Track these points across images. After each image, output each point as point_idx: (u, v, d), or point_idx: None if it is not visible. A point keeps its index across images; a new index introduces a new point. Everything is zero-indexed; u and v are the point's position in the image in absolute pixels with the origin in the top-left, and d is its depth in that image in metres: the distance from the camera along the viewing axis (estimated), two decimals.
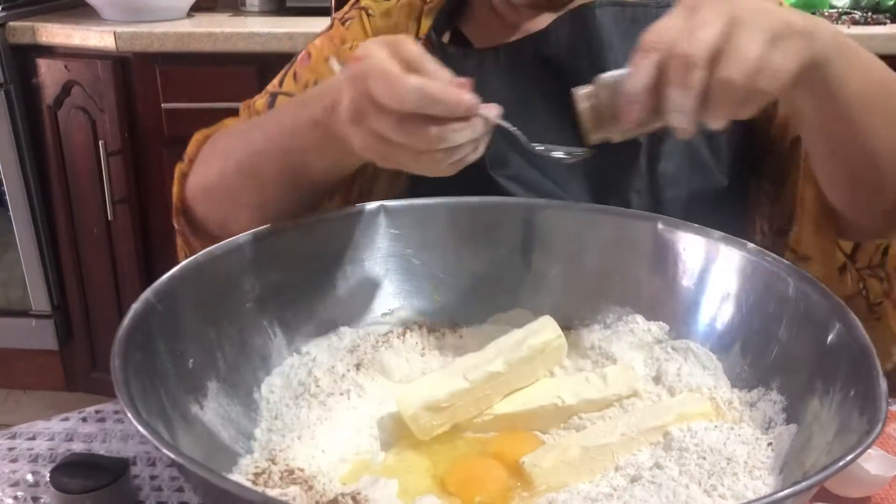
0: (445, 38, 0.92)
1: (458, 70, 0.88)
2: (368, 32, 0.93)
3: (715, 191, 0.84)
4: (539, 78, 0.85)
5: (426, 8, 0.92)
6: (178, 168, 0.86)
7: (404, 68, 0.58)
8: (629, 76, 0.57)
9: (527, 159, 0.85)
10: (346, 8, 0.97)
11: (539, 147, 0.65)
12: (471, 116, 0.59)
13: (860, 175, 0.71)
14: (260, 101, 0.93)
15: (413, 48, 0.59)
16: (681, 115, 0.56)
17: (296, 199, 0.76)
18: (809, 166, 0.78)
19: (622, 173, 0.84)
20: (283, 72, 0.95)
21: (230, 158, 0.79)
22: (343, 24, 0.94)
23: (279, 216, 0.73)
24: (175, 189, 0.86)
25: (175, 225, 0.87)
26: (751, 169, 0.88)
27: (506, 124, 0.63)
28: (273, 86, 0.94)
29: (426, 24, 0.91)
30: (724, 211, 0.82)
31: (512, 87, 0.85)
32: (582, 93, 0.63)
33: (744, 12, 0.55)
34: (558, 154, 0.66)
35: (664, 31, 0.56)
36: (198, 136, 0.88)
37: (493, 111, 0.61)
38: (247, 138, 0.78)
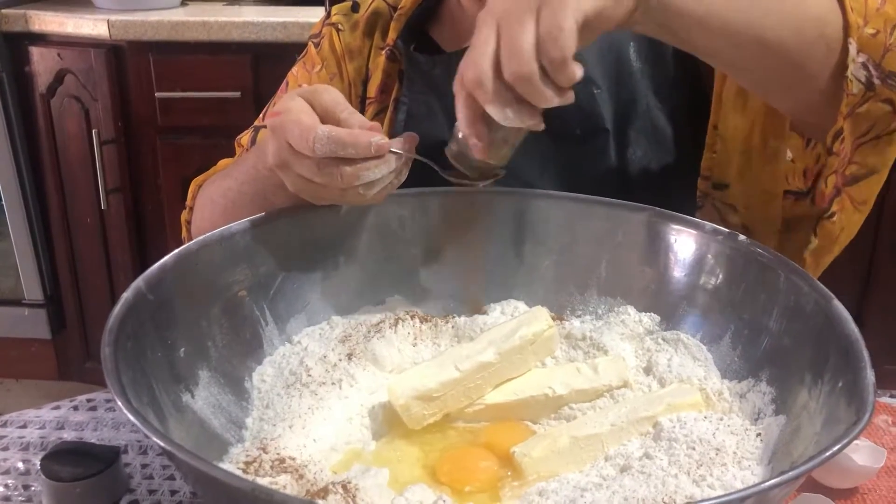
0: (413, 46, 0.92)
1: (426, 76, 0.89)
2: (338, 50, 0.95)
3: (685, 167, 0.85)
4: None
5: (396, 15, 0.92)
6: (183, 217, 0.93)
7: (320, 116, 0.66)
8: (458, 120, 0.62)
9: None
10: (318, 25, 0.99)
11: (452, 178, 0.69)
12: (382, 154, 0.65)
13: (777, 71, 0.69)
14: (245, 136, 0.98)
15: (328, 97, 0.67)
16: (514, 121, 0.59)
17: None
18: (724, 96, 0.77)
19: (593, 161, 0.85)
20: (268, 104, 0.99)
21: (216, 206, 0.85)
22: (316, 46, 0.97)
23: None
24: (184, 237, 0.93)
25: None
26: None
27: (419, 157, 0.68)
28: (258, 120, 0.99)
29: (395, 31, 0.91)
30: (694, 190, 0.82)
31: None
32: (448, 151, 0.67)
33: (507, 5, 0.57)
34: (468, 184, 0.70)
35: (462, 67, 0.59)
36: (195, 184, 0.93)
37: (406, 144, 0.67)
38: (225, 186, 0.84)
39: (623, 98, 0.85)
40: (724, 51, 0.67)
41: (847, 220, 0.76)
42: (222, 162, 0.98)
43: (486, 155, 0.63)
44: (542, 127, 0.60)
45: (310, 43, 0.98)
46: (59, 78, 1.97)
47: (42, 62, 1.97)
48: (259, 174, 0.77)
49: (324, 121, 0.65)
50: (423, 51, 0.92)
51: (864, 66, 0.67)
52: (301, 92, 0.68)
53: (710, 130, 0.80)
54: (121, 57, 1.91)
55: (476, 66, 0.57)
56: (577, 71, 0.57)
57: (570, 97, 0.59)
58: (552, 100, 0.57)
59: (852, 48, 0.66)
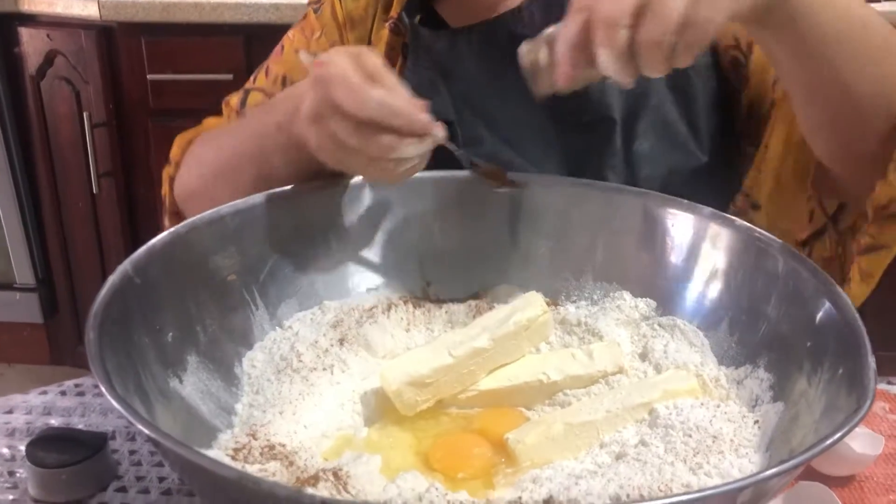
0: (417, 17, 0.90)
1: (430, 51, 0.88)
2: (339, 17, 0.92)
3: (694, 168, 0.84)
4: (513, 57, 0.84)
5: None
6: (166, 172, 0.90)
7: (365, 78, 0.62)
8: (559, 34, 0.59)
9: (499, 138, 0.84)
10: None
11: (477, 173, 0.70)
12: (425, 134, 0.63)
13: (841, 117, 0.69)
14: (234, 98, 0.96)
15: (375, 60, 0.64)
16: (611, 71, 0.57)
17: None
18: (783, 116, 0.78)
19: (597, 152, 0.84)
20: (258, 68, 0.97)
21: (209, 164, 0.82)
22: (315, 12, 0.94)
23: None
24: (165, 192, 0.90)
25: (166, 225, 0.88)
26: (732, 143, 0.87)
27: (450, 146, 0.68)
28: (249, 82, 0.97)
29: (399, 4, 0.89)
30: (704, 187, 0.81)
31: (485, 68, 0.85)
32: (524, 48, 0.64)
33: None
34: (489, 180, 0.70)
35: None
36: (180, 140, 0.90)
37: (440, 131, 0.64)
38: (222, 144, 0.81)
39: (634, 91, 0.83)
40: (803, 70, 0.68)
41: (856, 290, 0.75)
42: (209, 120, 0.95)
43: (568, 84, 0.60)
44: (631, 86, 0.59)
45: (309, 9, 0.95)
46: (48, 59, 1.95)
47: (31, 43, 1.95)
48: (265, 130, 0.74)
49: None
50: (428, 26, 0.90)
51: None
52: (346, 50, 0.65)
53: (761, 149, 0.80)
54: (111, 38, 1.89)
55: (619, 6, 0.55)
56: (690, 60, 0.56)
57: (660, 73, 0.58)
58: (655, 73, 0.57)
59: None
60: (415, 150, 0.63)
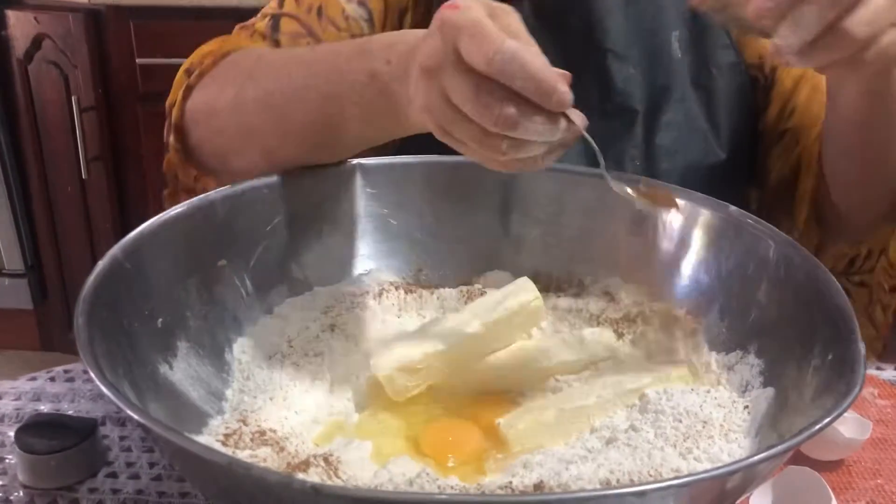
0: None
1: None
2: None
3: (713, 163, 0.84)
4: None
5: None
6: (180, 80, 0.76)
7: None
8: None
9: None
10: None
11: (615, 182, 0.59)
12: (556, 114, 0.51)
13: (874, 175, 0.71)
14: (261, 23, 0.83)
15: (514, 20, 0.52)
16: (792, 35, 0.54)
17: (312, 157, 0.70)
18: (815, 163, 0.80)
19: (618, 141, 0.83)
20: None
21: (255, 87, 0.70)
22: None
23: (287, 167, 0.69)
24: (175, 100, 0.75)
25: (169, 140, 0.76)
26: (750, 147, 0.87)
27: (589, 138, 0.55)
28: (272, 7, 0.84)
29: None
30: (722, 184, 0.81)
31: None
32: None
33: None
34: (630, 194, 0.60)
35: None
36: (206, 50, 0.77)
37: (580, 119, 0.53)
38: (284, 70, 0.69)
39: (658, 83, 0.83)
40: (864, 125, 0.69)
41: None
42: (236, 37, 0.82)
43: (759, 8, 0.55)
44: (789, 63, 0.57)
45: None
46: (36, 43, 1.93)
47: (18, 26, 1.93)
48: (352, 76, 0.63)
49: None
50: None
51: None
52: (482, 2, 0.52)
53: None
54: (100, 21, 1.87)
55: None
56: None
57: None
58: (805, 63, 0.56)
59: None
60: (539, 132, 0.50)
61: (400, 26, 0.85)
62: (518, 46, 0.49)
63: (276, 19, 0.82)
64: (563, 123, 0.51)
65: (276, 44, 0.80)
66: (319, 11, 0.81)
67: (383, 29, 0.83)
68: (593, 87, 0.81)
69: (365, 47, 0.63)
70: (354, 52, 0.63)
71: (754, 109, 0.86)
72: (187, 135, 0.76)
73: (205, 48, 0.78)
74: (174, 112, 0.76)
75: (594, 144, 0.56)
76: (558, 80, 0.49)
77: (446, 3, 0.51)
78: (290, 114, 0.67)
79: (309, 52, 0.72)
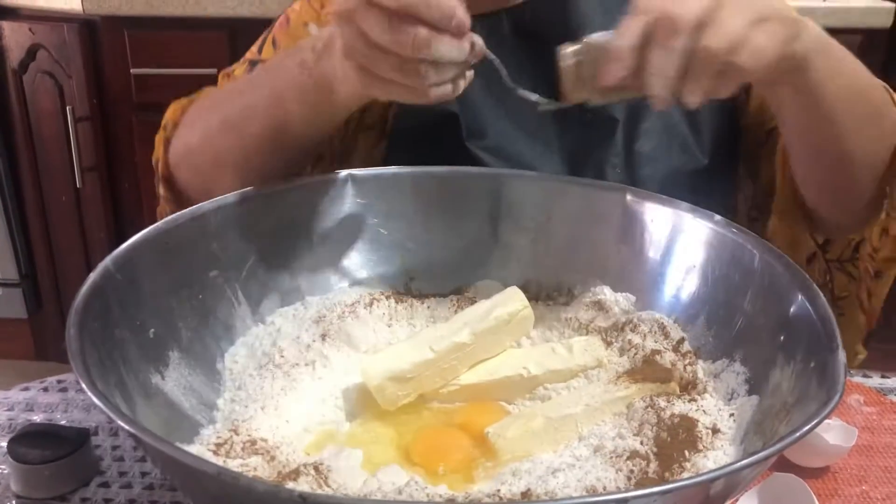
0: None
1: None
2: None
3: (694, 170, 0.84)
4: (516, 51, 0.84)
5: None
6: (159, 136, 0.85)
7: None
8: (617, 35, 0.58)
9: (502, 132, 0.84)
10: None
11: (520, 90, 0.65)
12: (460, 35, 0.58)
13: (834, 178, 0.72)
14: (239, 69, 0.91)
15: None
16: (660, 80, 0.57)
17: (279, 161, 0.75)
18: (784, 158, 0.79)
19: (598, 149, 0.84)
20: (260, 39, 0.93)
21: (215, 116, 0.77)
22: None
23: (262, 180, 0.72)
24: (159, 155, 0.84)
25: (160, 192, 0.84)
26: (733, 149, 0.88)
27: (491, 56, 0.62)
28: (252, 53, 0.92)
29: None
30: (704, 190, 0.82)
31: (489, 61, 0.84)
32: (568, 51, 0.63)
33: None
34: (534, 97, 0.65)
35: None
36: (175, 105, 0.86)
37: (479, 39, 0.60)
38: (237, 91, 0.77)
39: None
40: (808, 130, 0.70)
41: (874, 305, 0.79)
42: (207, 89, 0.90)
43: (613, 78, 0.58)
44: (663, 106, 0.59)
45: None
46: (31, 53, 1.93)
47: (13, 37, 1.93)
48: (283, 74, 0.70)
49: None
50: None
51: None
52: None
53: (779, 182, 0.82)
54: (94, 32, 1.87)
55: (685, 10, 0.55)
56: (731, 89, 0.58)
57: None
58: (694, 96, 0.57)
59: None
60: (450, 52, 0.57)
61: None
62: None
63: (252, 65, 0.90)
64: (467, 44, 0.59)
65: None
66: None
67: None
68: None
69: (291, 50, 0.71)
70: (287, 53, 0.71)
71: (735, 112, 0.87)
72: (174, 182, 0.83)
73: (175, 104, 0.86)
74: (160, 166, 0.84)
75: (495, 59, 0.63)
76: (456, 6, 0.57)
77: None
78: (245, 128, 0.73)
79: (247, 75, 0.79)
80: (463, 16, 0.57)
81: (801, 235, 0.81)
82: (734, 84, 0.58)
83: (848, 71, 0.67)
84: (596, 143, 0.84)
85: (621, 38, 0.58)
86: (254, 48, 0.93)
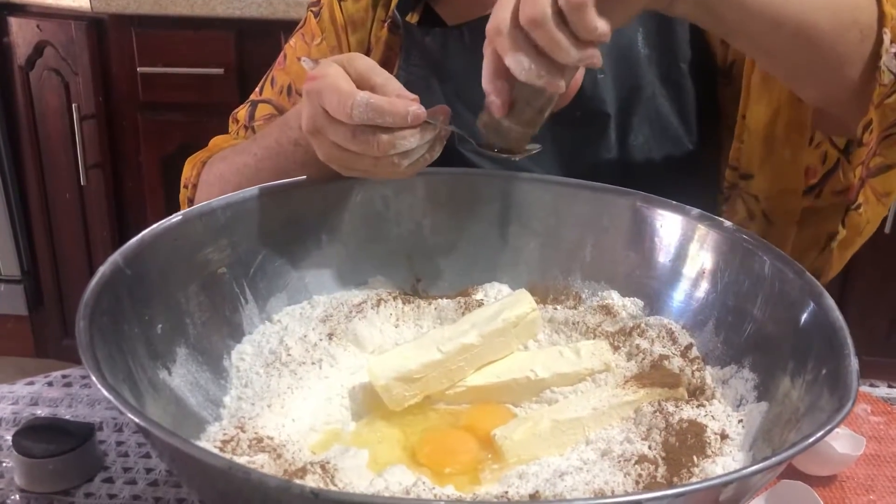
0: (415, 17, 0.90)
1: (422, 49, 0.88)
2: (339, 21, 0.92)
3: (686, 157, 0.84)
4: None
5: None
6: (182, 195, 0.91)
7: (356, 81, 0.64)
8: (482, 77, 0.62)
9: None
10: None
11: (487, 151, 0.67)
12: (419, 124, 0.63)
13: (810, 59, 0.68)
14: (242, 111, 0.96)
15: (364, 62, 0.66)
16: (533, 75, 0.58)
17: None
18: (757, 84, 0.77)
19: (591, 146, 0.84)
20: (264, 78, 0.97)
21: (228, 184, 0.82)
22: (315, 16, 0.94)
23: None
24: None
25: None
26: (721, 135, 0.87)
27: (456, 129, 0.67)
28: (255, 94, 0.97)
29: (395, 3, 0.90)
30: (697, 176, 0.82)
31: (477, 65, 0.85)
32: (479, 121, 0.65)
33: None
34: (506, 155, 0.68)
35: (491, 17, 0.59)
36: (191, 161, 0.91)
37: (441, 116, 0.65)
38: (240, 164, 0.82)
39: (628, 84, 0.84)
40: (760, 34, 0.67)
41: (871, 212, 0.76)
42: (217, 139, 0.95)
43: (503, 112, 0.62)
44: (562, 89, 0.59)
45: (309, 13, 0.95)
46: (38, 50, 1.93)
47: (21, 33, 1.94)
48: (282, 149, 0.75)
49: (359, 87, 0.64)
50: (427, 24, 0.90)
51: None
52: (336, 59, 0.67)
53: (738, 120, 0.80)
54: (102, 30, 1.88)
55: (496, 16, 0.57)
56: (600, 24, 0.55)
57: (592, 55, 0.57)
58: (569, 51, 0.56)
59: (886, 38, 0.66)
60: (415, 141, 0.64)
61: None
62: (366, 96, 0.62)
63: (253, 106, 0.96)
64: (428, 129, 0.64)
65: (253, 130, 0.94)
66: (289, 90, 0.94)
67: None
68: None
69: (284, 121, 0.78)
70: (279, 129, 0.78)
71: (718, 96, 0.86)
72: None
73: (190, 161, 0.92)
74: None
75: (462, 132, 0.67)
76: (408, 105, 0.62)
77: (308, 74, 0.65)
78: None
79: (254, 140, 0.83)
80: (417, 109, 0.63)
81: (801, 161, 0.78)
82: (587, 13, 0.56)
83: None
84: (589, 139, 0.84)
85: (483, 74, 0.61)
86: (257, 88, 0.97)
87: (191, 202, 0.90)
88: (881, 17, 0.66)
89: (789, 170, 0.78)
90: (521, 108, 0.62)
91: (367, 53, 0.91)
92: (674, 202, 0.73)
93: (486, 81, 0.61)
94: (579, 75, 0.63)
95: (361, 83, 0.64)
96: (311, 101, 0.64)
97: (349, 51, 0.92)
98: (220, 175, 0.85)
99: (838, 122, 0.74)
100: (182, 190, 0.92)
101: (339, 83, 0.63)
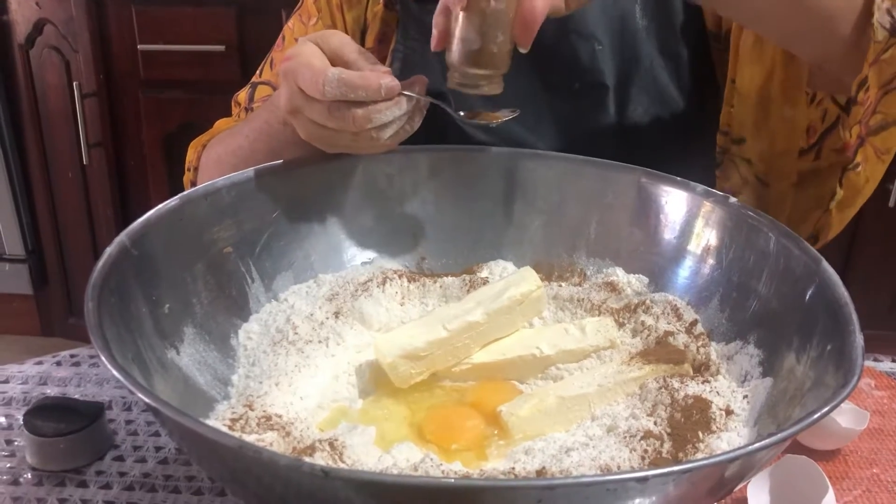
0: None
1: (419, 22, 0.87)
2: (334, 0, 0.92)
3: (684, 125, 0.84)
4: None
5: None
6: (186, 178, 0.93)
7: (330, 59, 0.65)
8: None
9: (492, 106, 0.84)
10: None
11: (465, 117, 0.69)
12: (393, 97, 0.64)
13: (801, 25, 0.68)
14: (242, 93, 0.97)
15: (336, 40, 0.66)
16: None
17: None
18: (741, 48, 0.77)
19: (591, 118, 0.84)
20: (264, 60, 0.97)
21: (225, 165, 0.83)
22: None
23: None
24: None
25: None
26: (713, 91, 0.87)
27: (431, 99, 0.67)
28: (255, 76, 0.97)
29: None
30: (695, 149, 0.82)
31: None
32: (448, 79, 0.64)
33: None
34: (484, 122, 0.70)
35: None
36: (194, 144, 0.92)
37: (416, 87, 0.66)
38: (235, 145, 0.83)
39: (626, 55, 0.83)
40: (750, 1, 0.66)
41: (871, 170, 0.76)
42: (220, 122, 0.96)
43: (439, 45, 0.62)
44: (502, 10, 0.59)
45: None
46: (38, 28, 1.92)
47: (20, 11, 1.92)
48: (272, 129, 0.76)
49: (334, 64, 0.65)
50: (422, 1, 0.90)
51: (889, 12, 0.66)
52: (310, 37, 0.67)
53: (727, 85, 0.79)
54: (102, 7, 1.86)
55: None
56: None
57: None
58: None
59: None
60: (391, 114, 0.64)
61: (362, 44, 0.89)
62: (337, 72, 0.62)
63: (253, 87, 0.97)
64: (403, 100, 0.65)
65: (252, 111, 0.94)
66: None
67: None
68: (561, 69, 0.82)
69: (271, 102, 0.78)
70: (268, 110, 0.78)
71: (712, 61, 0.86)
72: None
73: (193, 144, 0.93)
74: None
75: (438, 102, 0.68)
76: (381, 77, 0.63)
77: (283, 56, 0.66)
78: None
79: (247, 121, 0.84)
80: (390, 81, 0.63)
81: (799, 120, 0.78)
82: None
83: None
84: (587, 111, 0.84)
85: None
86: (258, 71, 0.97)
87: (194, 185, 0.90)
88: None
89: (788, 129, 0.78)
90: (479, 46, 0.61)
91: (364, 30, 0.91)
92: (678, 178, 0.72)
93: (436, 15, 0.61)
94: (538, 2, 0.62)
95: (335, 60, 0.65)
96: (288, 82, 0.65)
97: (345, 30, 0.92)
98: (217, 158, 0.86)
99: (835, 79, 0.74)
100: (185, 173, 0.92)
101: (311, 61, 0.64)
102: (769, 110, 0.78)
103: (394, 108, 0.65)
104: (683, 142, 0.83)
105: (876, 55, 0.68)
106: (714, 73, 0.86)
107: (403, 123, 0.67)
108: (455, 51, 0.61)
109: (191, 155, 0.91)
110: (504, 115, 0.69)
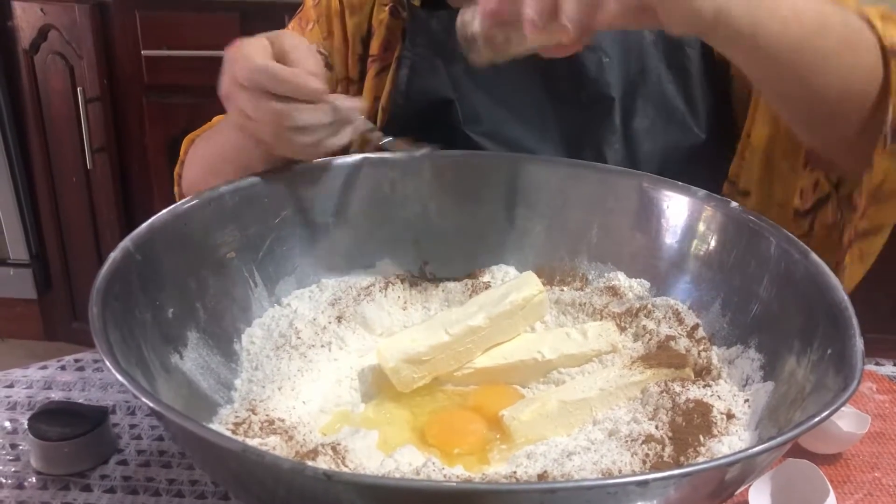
0: (420, 1, 0.90)
1: (428, 32, 0.88)
2: (334, 5, 0.92)
3: (692, 145, 0.84)
4: None
5: None
6: (175, 171, 0.93)
7: (276, 57, 0.65)
8: None
9: (498, 116, 0.85)
10: None
11: (388, 141, 0.72)
12: (317, 101, 0.64)
13: (814, 114, 0.69)
14: None
15: (288, 41, 0.67)
16: (532, 27, 0.57)
17: None
18: (763, 105, 0.78)
19: (596, 129, 0.84)
20: None
21: (205, 161, 0.85)
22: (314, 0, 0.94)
23: None
24: (176, 191, 0.93)
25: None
26: (730, 121, 0.87)
27: (368, 122, 0.69)
28: None
29: None
30: (702, 165, 0.82)
31: None
32: (461, 19, 0.63)
33: None
34: (401, 152, 0.72)
35: None
36: (187, 139, 0.93)
37: (351, 104, 0.67)
38: (214, 141, 0.84)
39: (633, 68, 0.84)
40: (766, 78, 0.68)
41: (853, 271, 0.76)
42: (217, 118, 0.95)
43: (534, 30, 0.58)
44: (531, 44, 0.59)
45: None
46: (42, 34, 1.93)
47: (25, 17, 1.93)
48: (231, 132, 0.75)
49: (279, 61, 0.65)
50: (430, 7, 0.90)
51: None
52: (267, 34, 0.68)
53: (743, 138, 0.80)
54: (106, 13, 1.87)
55: None
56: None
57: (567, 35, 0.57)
58: (570, 34, 0.56)
59: (891, 111, 0.66)
60: (310, 117, 0.64)
61: (365, 51, 0.91)
62: (265, 62, 0.63)
63: None
64: (328, 108, 0.65)
65: None
66: None
67: (348, 61, 0.91)
68: (568, 81, 0.82)
69: None
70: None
71: (728, 83, 0.86)
72: None
73: (186, 139, 0.93)
74: (176, 191, 0.94)
75: (368, 125, 0.70)
76: (309, 79, 0.64)
77: (230, 45, 0.66)
78: (223, 168, 0.78)
79: (225, 117, 0.83)
80: (316, 85, 0.64)
81: (795, 183, 0.78)
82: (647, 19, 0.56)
83: (791, 6, 0.63)
84: (593, 123, 0.84)
85: None
86: None
87: (180, 178, 0.92)
88: (886, 88, 0.66)
89: (785, 182, 0.78)
90: (499, 44, 0.61)
91: (367, 37, 0.91)
92: (680, 183, 0.73)
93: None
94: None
95: (282, 59, 0.65)
96: (227, 67, 0.66)
97: (342, 36, 0.92)
98: (202, 155, 0.87)
99: (827, 160, 0.75)
100: (176, 166, 0.94)
101: (251, 51, 0.65)
102: (773, 164, 0.78)
103: (315, 113, 0.65)
104: (689, 159, 0.83)
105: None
106: (728, 92, 0.86)
107: (327, 135, 0.67)
108: (477, 27, 0.61)
109: (183, 149, 0.93)
110: (425, 148, 0.72)
